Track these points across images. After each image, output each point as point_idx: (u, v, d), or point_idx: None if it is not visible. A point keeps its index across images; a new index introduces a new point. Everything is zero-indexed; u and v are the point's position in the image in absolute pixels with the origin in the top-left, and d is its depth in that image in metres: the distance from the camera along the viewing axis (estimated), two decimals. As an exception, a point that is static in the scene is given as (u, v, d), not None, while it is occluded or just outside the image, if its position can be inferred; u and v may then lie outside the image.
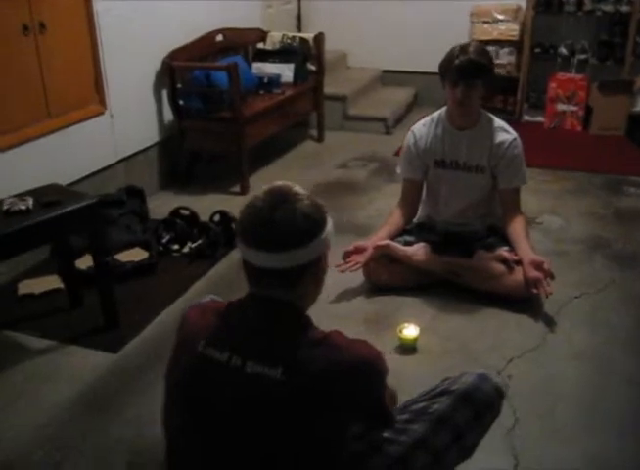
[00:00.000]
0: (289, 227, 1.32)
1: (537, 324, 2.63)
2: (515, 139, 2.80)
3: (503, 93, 5.06)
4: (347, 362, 1.33)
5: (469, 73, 2.61)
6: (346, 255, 2.84)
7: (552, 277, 2.61)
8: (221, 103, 3.80)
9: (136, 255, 3.18)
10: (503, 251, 2.78)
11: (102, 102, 3.45)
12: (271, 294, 1.37)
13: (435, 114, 2.90)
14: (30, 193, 2.47)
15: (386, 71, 5.55)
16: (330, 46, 5.58)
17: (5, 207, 2.35)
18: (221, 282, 3.05)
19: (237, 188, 4.01)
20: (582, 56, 4.87)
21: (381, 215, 3.43)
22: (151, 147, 3.93)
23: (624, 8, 4.66)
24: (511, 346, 2.50)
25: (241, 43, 4.49)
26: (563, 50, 4.88)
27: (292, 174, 4.26)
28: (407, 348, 2.50)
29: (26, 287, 2.93)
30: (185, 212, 3.39)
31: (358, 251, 2.86)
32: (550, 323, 2.63)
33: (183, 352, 1.43)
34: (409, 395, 2.15)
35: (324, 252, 1.39)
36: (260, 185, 4.10)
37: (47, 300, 2.87)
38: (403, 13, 5.36)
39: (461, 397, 1.58)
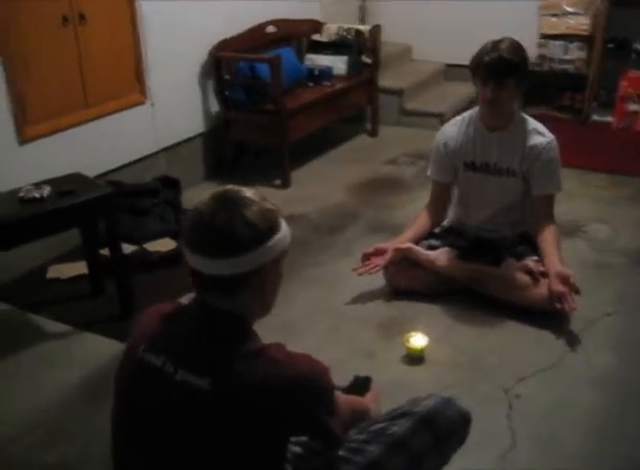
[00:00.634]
0: (227, 234, 1.27)
1: (558, 341, 2.46)
2: (549, 142, 2.62)
3: (571, 90, 4.78)
4: (281, 378, 1.27)
5: (499, 72, 2.46)
6: (365, 257, 2.76)
7: (577, 292, 2.44)
8: (265, 95, 3.77)
9: (165, 245, 3.22)
10: (530, 261, 2.62)
11: (142, 92, 3.50)
12: (212, 301, 1.33)
13: (467, 113, 2.76)
14: (50, 182, 2.54)
15: (450, 66, 5.36)
16: (394, 38, 5.48)
17: (21, 194, 2.43)
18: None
19: (279, 181, 3.99)
20: (660, 53, 4.53)
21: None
22: (195, 137, 3.95)
23: None
24: (525, 363, 2.35)
25: (294, 35, 4.44)
26: (638, 46, 4.54)
27: (337, 169, 4.20)
28: (414, 358, 2.40)
29: (55, 271, 3.02)
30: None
31: (378, 253, 2.77)
32: (572, 341, 2.46)
33: (128, 356, 1.41)
34: None
35: (270, 261, 1.33)
36: (304, 178, 4.06)
37: (72, 285, 2.94)
38: (470, 5, 5.15)
39: (421, 420, 1.49)
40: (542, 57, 4.75)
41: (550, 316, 2.52)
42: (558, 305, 2.44)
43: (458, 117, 2.79)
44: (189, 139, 3.91)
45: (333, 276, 2.94)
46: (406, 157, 4.37)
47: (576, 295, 2.44)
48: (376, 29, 4.45)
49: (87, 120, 3.23)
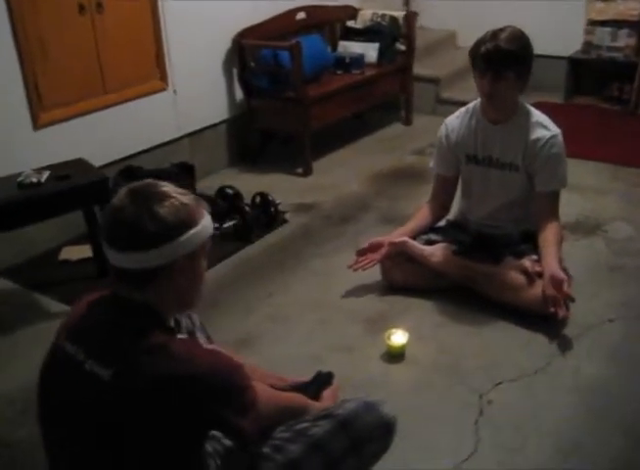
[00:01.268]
0: (133, 228, 1.28)
1: (549, 346, 2.35)
2: (553, 137, 2.49)
3: (619, 80, 4.52)
4: (177, 374, 1.26)
5: (497, 63, 2.35)
6: (360, 252, 2.72)
7: (571, 300, 2.32)
8: (287, 83, 3.75)
9: (175, 230, 3.26)
10: (527, 260, 2.51)
11: (163, 78, 3.55)
12: (124, 293, 1.34)
13: (471, 104, 2.66)
14: (51, 167, 2.62)
15: (495, 53, 5.17)
16: (439, 25, 5.34)
17: (20, 179, 2.52)
18: (245, 265, 3.05)
19: (301, 170, 3.97)
20: None
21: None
22: (219, 124, 3.98)
23: None
24: (509, 367, 2.26)
25: (326, 21, 4.39)
26: (693, 33, 4.26)
27: (362, 158, 4.14)
28: (394, 355, 2.35)
29: (66, 253, 3.12)
30: (229, 191, 3.42)
31: (373, 248, 2.72)
32: (564, 347, 2.34)
33: (52, 344, 1.45)
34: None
35: (182, 257, 1.32)
36: (327, 167, 4.03)
37: (81, 267, 3.02)
38: (518, -10, 4.95)
39: (340, 423, 1.47)
40: (589, 44, 4.52)
41: (545, 319, 2.40)
42: (551, 309, 2.33)
43: (462, 109, 2.70)
44: (213, 126, 3.94)
45: (333, 268, 2.91)
46: (433, 147, 4.24)
47: (571, 302, 2.32)
48: (411, 16, 4.35)
49: (106, 107, 3.30)
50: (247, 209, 3.22)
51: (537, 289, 2.42)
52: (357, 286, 2.78)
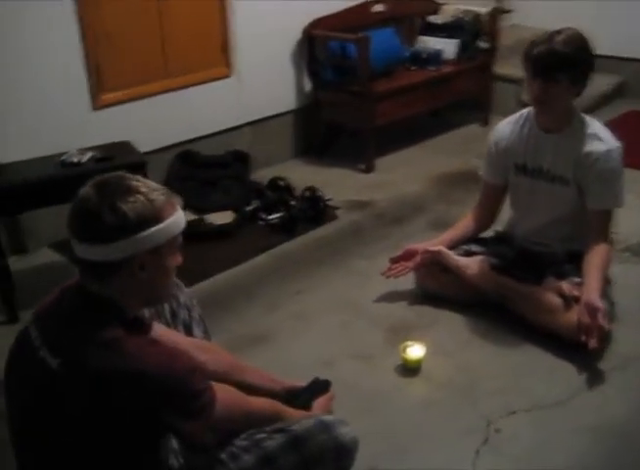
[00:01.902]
0: (93, 221, 1.28)
1: (577, 377, 2.16)
2: (609, 151, 2.28)
3: None
4: (124, 370, 1.25)
5: (548, 66, 2.18)
6: (394, 259, 2.62)
7: (603, 331, 2.12)
8: (354, 76, 3.67)
9: (223, 217, 3.28)
10: (566, 282, 2.32)
11: (228, 65, 3.56)
12: (86, 284, 1.34)
13: (525, 111, 2.47)
14: (96, 148, 2.68)
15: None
16: (534, 23, 5.06)
17: (63, 158, 2.59)
18: (283, 259, 3.01)
19: (364, 166, 3.88)
20: None
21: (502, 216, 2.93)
22: (285, 114, 3.95)
23: None
24: (527, 395, 2.10)
25: (405, 15, 4.25)
26: None
27: (428, 158, 3.99)
28: (409, 369, 2.24)
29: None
30: (281, 183, 3.39)
31: (408, 255, 2.61)
32: (594, 380, 2.15)
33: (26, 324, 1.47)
34: (383, 420, 1.97)
35: (144, 252, 1.30)
36: (391, 165, 3.95)
37: None
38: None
39: (293, 440, 1.40)
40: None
41: (578, 348, 2.20)
42: (583, 338, 2.15)
43: (516, 114, 2.51)
44: (278, 115, 3.92)
45: (371, 270, 2.81)
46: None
47: (603, 333, 2.12)
48: (495, 12, 4.13)
49: (167, 91, 3.35)
50: (293, 202, 3.17)
51: (572, 314, 2.23)
52: (390, 291, 2.67)
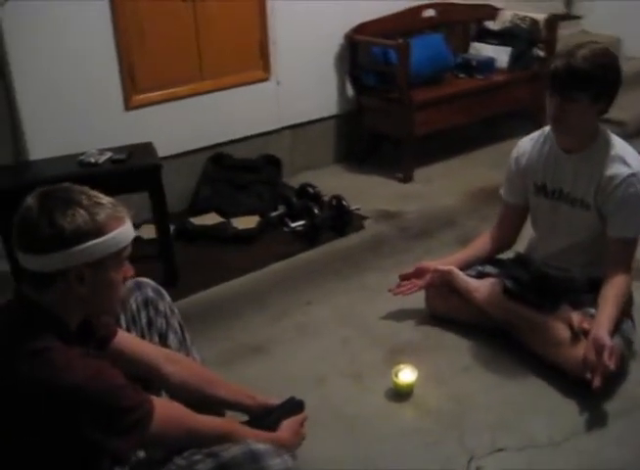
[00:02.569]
0: (32, 231, 1.30)
1: (577, 418, 2.01)
2: (633, 175, 2.11)
3: None
4: (49, 381, 1.26)
5: (565, 84, 2.04)
6: (404, 276, 2.53)
7: (608, 370, 1.95)
8: (394, 83, 3.57)
9: (247, 222, 3.27)
10: (576, 314, 2.17)
11: (266, 69, 3.53)
12: (25, 291, 1.36)
13: (547, 127, 2.33)
14: (116, 149, 2.71)
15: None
16: (605, 30, 4.80)
17: (81, 157, 2.64)
18: (301, 268, 2.97)
19: (401, 176, 3.78)
20: None
21: (525, 236, 2.74)
22: (327, 119, 3.90)
23: None
24: (520, 432, 1.97)
25: (458, 20, 4.11)
26: None
27: (470, 171, 3.84)
28: (399, 393, 2.15)
29: (141, 230, 3.23)
30: (310, 190, 3.34)
31: (419, 273, 2.51)
32: (594, 423, 1.99)
33: None
34: (361, 445, 1.91)
35: (82, 266, 1.31)
36: (430, 176, 3.85)
37: (147, 246, 3.06)
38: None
39: (219, 466, 1.36)
40: None
41: (584, 385, 2.05)
42: (587, 376, 1.99)
43: (539, 131, 2.38)
44: (320, 120, 3.87)
45: (385, 285, 2.69)
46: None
47: (609, 372, 1.96)
48: (552, 19, 3.93)
49: (202, 93, 3.36)
50: (316, 211, 3.12)
51: (579, 349, 2.07)
52: (399, 310, 2.58)
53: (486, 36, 4.13)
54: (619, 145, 2.18)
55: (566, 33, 4.90)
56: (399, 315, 2.57)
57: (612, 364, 1.96)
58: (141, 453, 1.55)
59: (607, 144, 2.17)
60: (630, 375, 2.17)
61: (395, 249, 3.07)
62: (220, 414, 1.88)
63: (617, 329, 2.12)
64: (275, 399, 1.92)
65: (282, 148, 3.75)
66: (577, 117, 2.09)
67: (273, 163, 3.53)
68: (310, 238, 3.12)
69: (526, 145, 2.38)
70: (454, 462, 1.88)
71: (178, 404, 1.52)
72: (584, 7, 4.76)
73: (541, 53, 4.03)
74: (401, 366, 2.16)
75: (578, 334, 2.12)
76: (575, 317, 2.16)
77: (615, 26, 4.72)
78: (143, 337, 1.82)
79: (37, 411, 1.25)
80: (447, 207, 3.44)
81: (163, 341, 1.86)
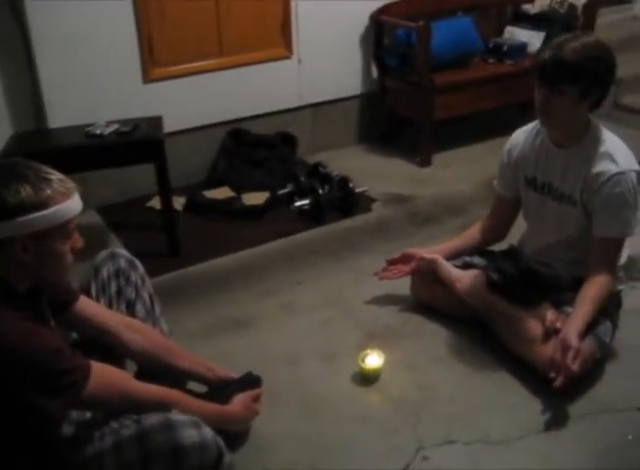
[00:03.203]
0: None
1: (538, 417, 1.98)
2: (620, 174, 2.03)
3: None
4: None
5: (552, 76, 1.98)
6: (391, 261, 2.53)
7: (571, 373, 1.91)
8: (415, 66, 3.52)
9: (257, 198, 3.32)
10: (551, 312, 2.13)
11: (288, 47, 3.54)
12: None
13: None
14: (124, 121, 2.79)
15: None
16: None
17: (88, 129, 2.73)
18: (299, 247, 2.99)
19: (420, 159, 3.74)
20: None
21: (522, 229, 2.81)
22: (350, 99, 3.89)
23: None
24: (476, 427, 1.96)
25: (493, 3, 3.99)
26: None
27: (493, 157, 3.70)
28: (365, 378, 2.17)
29: (154, 201, 3.31)
30: (321, 170, 3.35)
31: (405, 259, 2.51)
32: (555, 424, 1.95)
33: None
34: (317, 426, 1.97)
35: (24, 236, 1.39)
36: (449, 161, 3.84)
37: (158, 217, 3.18)
38: None
39: (139, 433, 1.43)
40: None
41: (549, 384, 2.00)
42: (552, 375, 1.96)
43: (533, 123, 2.31)
44: (342, 100, 3.86)
45: (377, 269, 2.71)
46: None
47: (571, 375, 1.91)
48: (591, 5, 3.77)
49: (221, 68, 3.41)
50: (320, 191, 3.13)
51: (549, 348, 2.04)
52: (385, 295, 2.59)
53: (522, 20, 4.01)
54: (611, 141, 2.10)
55: (616, 19, 4.72)
56: (384, 300, 2.57)
57: (575, 366, 1.92)
58: (87, 414, 1.64)
59: (597, 140, 2.10)
60: (603, 378, 2.12)
61: (398, 233, 3.05)
62: (182, 384, 1.96)
63: (590, 330, 2.07)
64: (234, 374, 1.98)
65: (303, 126, 3.77)
66: (565, 111, 2.03)
67: (289, 140, 3.56)
68: (315, 217, 3.14)
69: (519, 137, 2.32)
70: (403, 451, 1.88)
71: (119, 371, 1.59)
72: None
73: (578, 39, 3.88)
74: (368, 351, 2.18)
75: (550, 332, 2.08)
76: (549, 315, 2.11)
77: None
78: (111, 305, 1.91)
79: None
80: (461, 193, 3.39)
81: (131, 310, 1.94)
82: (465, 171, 3.61)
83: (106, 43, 3.09)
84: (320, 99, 3.78)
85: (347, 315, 2.51)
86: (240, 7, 3.33)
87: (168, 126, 3.25)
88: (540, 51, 2.08)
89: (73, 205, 1.47)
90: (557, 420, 1.97)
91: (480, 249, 2.49)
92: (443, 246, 2.52)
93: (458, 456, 1.87)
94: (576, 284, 2.20)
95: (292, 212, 3.23)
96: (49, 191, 1.40)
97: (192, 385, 1.97)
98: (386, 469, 1.83)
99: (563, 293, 2.24)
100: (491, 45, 3.87)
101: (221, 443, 1.56)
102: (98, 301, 1.88)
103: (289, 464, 1.86)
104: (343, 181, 3.21)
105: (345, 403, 2.08)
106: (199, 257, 2.91)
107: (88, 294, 1.89)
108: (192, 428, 1.43)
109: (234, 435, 1.86)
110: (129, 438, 1.43)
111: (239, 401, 1.85)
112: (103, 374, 1.51)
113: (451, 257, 2.46)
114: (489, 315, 2.28)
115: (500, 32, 4.05)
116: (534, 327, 2.13)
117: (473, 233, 2.51)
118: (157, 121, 2.87)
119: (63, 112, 3.05)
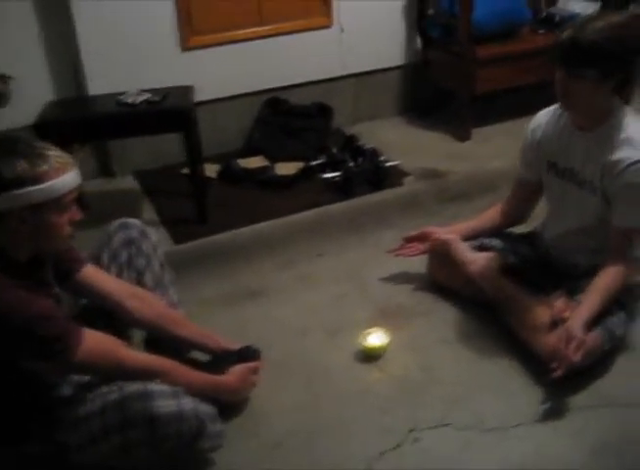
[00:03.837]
0: None
1: (537, 407, 1.95)
2: (641, 161, 1.95)
3: None
4: None
5: (569, 58, 1.90)
6: (408, 239, 2.51)
7: (571, 364, 1.87)
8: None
9: (288, 168, 3.33)
10: (561, 301, 2.08)
11: (329, 15, 3.50)
12: None
13: (565, 100, 2.18)
14: (155, 90, 2.84)
15: None
16: None
17: (120, 97, 2.79)
18: (324, 219, 2.99)
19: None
20: None
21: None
22: (392, 69, 3.81)
23: None
24: (473, 412, 1.95)
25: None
26: None
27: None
28: (368, 356, 2.18)
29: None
30: (355, 142, 3.33)
31: (423, 237, 2.49)
32: (552, 415, 1.92)
33: None
34: (314, 399, 2.03)
35: (22, 208, 1.47)
36: (491, 136, 3.75)
37: (190, 183, 3.23)
38: None
39: (120, 399, 1.51)
40: None
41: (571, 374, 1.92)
42: (553, 365, 1.93)
43: (557, 104, 2.23)
44: (384, 70, 3.79)
45: (393, 245, 2.68)
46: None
47: (570, 366, 1.87)
48: (652, -27, 3.55)
49: (260, 37, 3.40)
50: (350, 164, 3.12)
51: (554, 337, 2.00)
52: (401, 272, 2.59)
53: (579, -12, 3.82)
54: (634, 128, 2.00)
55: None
56: (401, 278, 2.57)
57: (576, 357, 1.88)
58: (86, 377, 1.72)
59: (619, 125, 2.01)
60: (611, 371, 2.06)
61: (425, 209, 3.02)
62: (185, 353, 2.03)
63: (601, 320, 2.02)
64: (236, 345, 2.04)
65: (343, 96, 3.74)
66: (584, 95, 1.95)
67: (325, 111, 3.54)
68: (344, 190, 3.14)
69: (543, 118, 2.24)
70: (396, 430, 1.90)
71: (111, 340, 1.65)
72: None
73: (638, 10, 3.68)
74: (372, 330, 2.19)
75: (557, 321, 2.04)
76: (558, 304, 2.07)
77: None
78: (121, 273, 1.98)
79: None
80: (496, 170, 3.30)
81: (140, 279, 2.01)
82: (503, 148, 3.50)
83: (144, 11, 3.13)
84: (362, 69, 3.72)
85: (362, 291, 2.52)
86: (279, -25, 3.31)
87: (206, 94, 3.31)
88: (563, 29, 1.97)
89: (69, 179, 1.53)
90: (555, 411, 1.94)
91: (498, 231, 2.44)
92: (462, 226, 2.48)
93: (449, 440, 1.87)
94: (594, 273, 2.15)
95: (322, 184, 3.23)
96: (45, 166, 1.48)
97: (197, 354, 2.05)
98: (377, 447, 1.85)
99: (579, 281, 2.17)
100: (543, 15, 3.72)
101: (204, 413, 1.62)
102: (109, 269, 1.96)
103: (282, 436, 1.91)
104: (374, 154, 3.19)
105: (346, 379, 2.11)
106: (226, 225, 2.96)
107: (100, 262, 1.97)
108: (169, 398, 1.49)
109: (229, 404, 1.92)
110: (113, 402, 1.50)
111: (234, 373, 1.90)
112: (94, 341, 1.58)
113: (469, 237, 2.43)
114: (498, 300, 2.24)
115: (554, 2, 3.88)
116: (542, 315, 2.08)
117: (493, 214, 2.46)
118: (188, 91, 2.90)
119: (102, 80, 3.12)
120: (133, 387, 1.51)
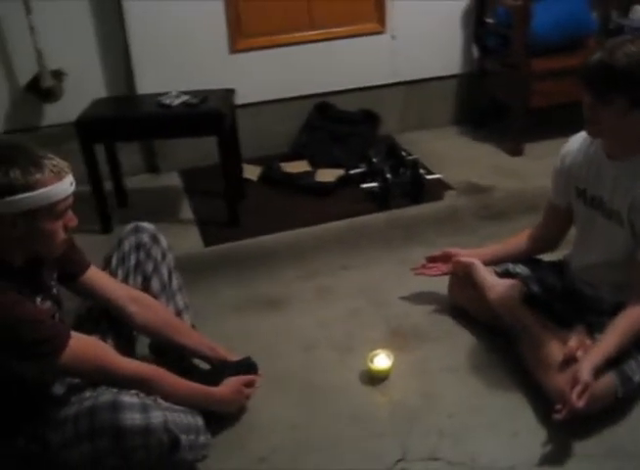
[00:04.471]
0: None
1: (537, 449, 1.82)
2: (671, 195, 1.80)
3: None
4: None
5: (595, 83, 1.79)
6: (430, 259, 2.44)
7: (574, 408, 1.75)
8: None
9: (327, 175, 3.30)
10: (575, 339, 1.95)
11: (381, 22, 3.44)
12: None
13: (600, 126, 2.04)
14: (195, 93, 2.86)
15: None
16: None
17: (160, 98, 2.83)
18: (356, 230, 2.96)
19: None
20: None
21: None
22: (448, 78, 3.72)
23: None
24: (466, 448, 1.85)
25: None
26: None
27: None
28: (372, 378, 2.13)
29: (247, 171, 3.38)
30: (398, 152, 3.26)
31: (445, 258, 2.41)
32: (555, 459, 1.80)
33: None
34: (308, 417, 2.02)
35: (14, 215, 1.49)
36: (545, 152, 3.35)
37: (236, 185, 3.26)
38: None
39: (91, 407, 1.51)
40: None
41: (578, 419, 1.81)
42: (557, 407, 1.82)
43: (588, 129, 2.09)
44: (437, 78, 3.70)
45: (420, 263, 2.60)
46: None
47: (574, 412, 1.75)
48: None
49: (310, 41, 3.39)
50: (388, 175, 3.05)
51: (564, 377, 1.88)
52: (422, 292, 2.51)
53: (654, 0, 3.59)
54: (668, 157, 1.86)
55: None
56: (421, 298, 2.49)
57: (579, 402, 1.76)
58: (77, 379, 1.76)
59: (651, 155, 1.87)
60: (623, 420, 1.92)
61: (461, 227, 2.93)
62: (183, 360, 2.04)
63: (615, 364, 1.89)
64: (236, 357, 2.03)
65: (393, 104, 3.68)
66: (612, 122, 1.82)
67: (371, 118, 3.48)
68: (380, 201, 3.08)
69: (574, 143, 2.12)
70: (384, 458, 1.84)
71: (100, 345, 1.68)
72: None
73: None
74: (378, 351, 2.13)
75: (569, 360, 1.92)
76: (571, 342, 1.94)
77: None
78: (128, 277, 2.01)
79: None
80: (541, 190, 3.11)
81: (147, 284, 2.03)
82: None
83: (194, 13, 3.17)
84: (413, 77, 3.66)
85: (379, 308, 2.46)
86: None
87: (253, 97, 3.33)
88: (592, 53, 1.85)
89: (63, 187, 1.55)
90: (556, 456, 1.82)
91: (524, 257, 2.33)
92: (487, 250, 2.39)
93: (441, 475, 1.80)
94: (619, 310, 2.01)
95: (360, 193, 3.18)
96: (38, 175, 1.49)
97: (200, 363, 2.05)
98: (357, 473, 1.81)
99: (602, 317, 2.04)
100: (611, 26, 3.52)
101: (182, 426, 1.62)
102: (116, 272, 1.99)
103: (268, 451, 1.88)
104: (415, 166, 3.11)
105: (344, 399, 2.06)
106: (257, 230, 2.97)
107: (109, 264, 2.01)
108: (137, 412, 1.49)
109: (223, 415, 1.92)
110: (85, 410, 1.52)
111: (228, 385, 1.90)
112: (80, 346, 1.60)
113: (492, 262, 2.32)
114: (515, 329, 2.14)
115: (627, 11, 3.66)
116: (556, 352, 1.96)
117: (519, 241, 2.34)
118: (229, 94, 2.92)
119: (151, 79, 3.20)
120: (105, 396, 1.52)
